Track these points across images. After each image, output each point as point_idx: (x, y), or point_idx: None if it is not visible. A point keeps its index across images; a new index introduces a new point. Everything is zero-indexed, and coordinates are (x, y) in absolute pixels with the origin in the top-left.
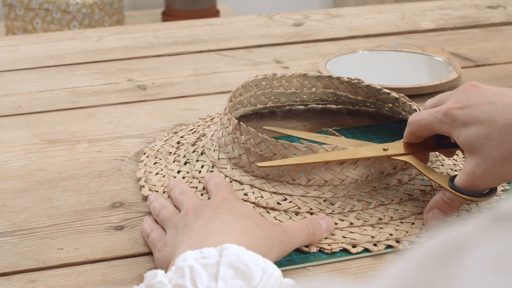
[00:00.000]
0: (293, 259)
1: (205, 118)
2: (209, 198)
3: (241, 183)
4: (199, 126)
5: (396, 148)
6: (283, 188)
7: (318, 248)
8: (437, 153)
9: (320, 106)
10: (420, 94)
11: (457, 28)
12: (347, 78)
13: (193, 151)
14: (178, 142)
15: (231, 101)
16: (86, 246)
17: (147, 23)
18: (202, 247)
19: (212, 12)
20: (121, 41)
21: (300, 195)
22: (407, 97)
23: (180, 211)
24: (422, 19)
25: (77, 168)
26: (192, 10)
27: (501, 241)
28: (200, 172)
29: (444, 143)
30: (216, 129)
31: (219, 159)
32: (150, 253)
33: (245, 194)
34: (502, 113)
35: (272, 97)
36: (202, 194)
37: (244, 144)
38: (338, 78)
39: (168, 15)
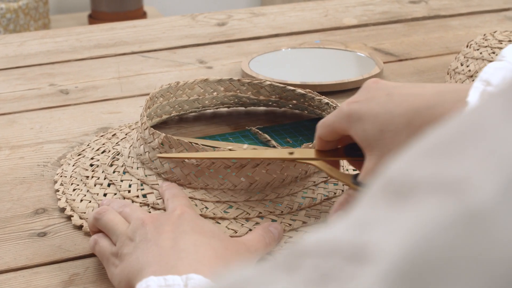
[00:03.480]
0: None
1: (103, 135)
2: (165, 210)
3: None
4: (103, 144)
5: (303, 153)
6: (225, 195)
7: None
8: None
9: (231, 108)
10: (343, 90)
11: (380, 23)
12: (249, 78)
13: (114, 171)
14: (91, 165)
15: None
16: (9, 254)
17: (74, 26)
18: (174, 273)
19: (139, 14)
20: (43, 45)
21: (244, 200)
22: (315, 92)
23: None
24: (345, 15)
25: None
26: (118, 12)
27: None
28: (129, 191)
29: (355, 153)
30: (132, 145)
31: (146, 176)
32: (74, 259)
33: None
34: (399, 102)
35: (176, 106)
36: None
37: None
38: (239, 80)
39: (95, 18)
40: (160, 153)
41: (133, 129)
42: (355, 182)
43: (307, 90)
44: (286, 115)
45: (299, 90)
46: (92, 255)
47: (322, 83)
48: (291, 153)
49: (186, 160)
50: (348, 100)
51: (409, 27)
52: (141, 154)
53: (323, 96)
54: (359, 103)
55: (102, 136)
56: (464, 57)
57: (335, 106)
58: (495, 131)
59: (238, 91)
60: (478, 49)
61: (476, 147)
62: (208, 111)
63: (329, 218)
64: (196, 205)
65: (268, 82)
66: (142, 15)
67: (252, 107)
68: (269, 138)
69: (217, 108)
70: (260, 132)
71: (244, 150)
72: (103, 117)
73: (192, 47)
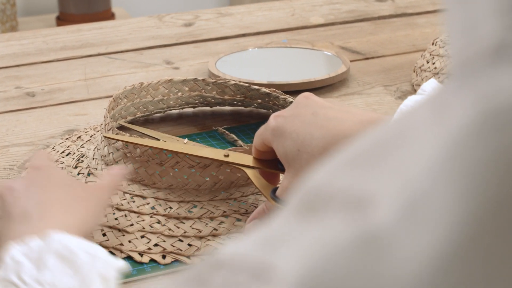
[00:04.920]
0: (143, 268)
1: (68, 137)
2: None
3: (144, 197)
4: (68, 147)
5: (238, 158)
6: (189, 195)
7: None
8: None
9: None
10: (309, 89)
11: (346, 22)
12: (214, 78)
13: (78, 174)
14: None
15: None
16: None
17: (42, 28)
18: (28, 235)
19: (107, 15)
20: (9, 48)
21: (209, 200)
22: (280, 92)
23: None
24: (311, 14)
25: None
26: (86, 14)
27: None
28: None
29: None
30: (96, 147)
31: None
32: None
33: (153, 208)
34: (321, 126)
35: (141, 107)
36: None
37: (140, 157)
38: (203, 79)
39: (63, 20)
40: (125, 154)
41: (98, 131)
42: (272, 196)
43: (272, 89)
44: (252, 114)
45: (264, 89)
46: None
47: (289, 82)
48: (226, 155)
49: (138, 151)
50: (276, 114)
51: (376, 26)
52: (105, 156)
53: (288, 95)
54: (285, 118)
55: (67, 138)
56: (430, 54)
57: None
58: (415, 140)
59: (203, 91)
60: (443, 47)
61: (391, 159)
62: (174, 111)
63: (245, 226)
64: (160, 205)
65: (233, 82)
66: (110, 16)
67: (218, 107)
68: (236, 138)
69: (182, 108)
70: (227, 132)
71: (182, 144)
72: (69, 119)
73: (159, 48)
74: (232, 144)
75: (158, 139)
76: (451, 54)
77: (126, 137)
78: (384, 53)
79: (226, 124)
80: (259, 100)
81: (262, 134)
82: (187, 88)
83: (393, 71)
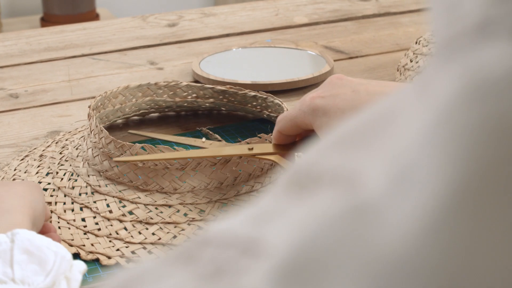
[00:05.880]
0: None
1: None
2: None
3: (169, 206)
4: (47, 147)
5: (262, 148)
6: (214, 194)
7: None
8: None
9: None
10: (293, 89)
11: (330, 21)
12: (164, 81)
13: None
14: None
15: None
16: None
17: (26, 29)
18: None
19: (92, 16)
20: None
21: (234, 196)
22: (238, 87)
23: None
24: (295, 14)
25: None
26: (71, 15)
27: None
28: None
29: None
30: (87, 161)
31: (100, 186)
32: None
33: (185, 215)
34: (365, 100)
35: (104, 117)
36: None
37: (156, 165)
38: (156, 83)
39: (47, 21)
40: (117, 156)
41: (81, 137)
42: None
43: (228, 86)
44: (230, 115)
45: (219, 87)
46: None
47: (273, 82)
48: (250, 149)
49: (141, 164)
50: (311, 95)
51: (360, 25)
52: (106, 170)
53: (247, 90)
54: (325, 99)
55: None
56: (414, 53)
57: (265, 98)
58: (402, 116)
59: (155, 95)
60: (427, 45)
61: (379, 135)
62: (154, 114)
63: None
64: (191, 210)
65: (184, 83)
66: (94, 17)
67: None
68: (220, 138)
69: (136, 115)
70: (210, 132)
71: (202, 150)
72: (53, 120)
73: (142, 48)
74: None
75: (173, 143)
76: (435, 32)
77: (138, 156)
78: (368, 52)
79: (209, 124)
80: (211, 100)
81: (296, 117)
82: (140, 94)
83: (376, 70)
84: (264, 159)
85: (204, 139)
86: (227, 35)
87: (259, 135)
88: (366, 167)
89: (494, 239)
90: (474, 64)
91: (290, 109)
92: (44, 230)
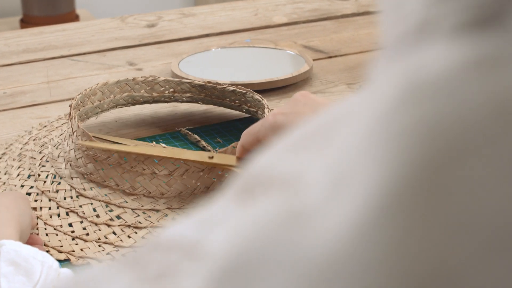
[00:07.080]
0: None
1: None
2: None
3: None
4: (27, 150)
5: (224, 159)
6: (149, 203)
7: None
8: None
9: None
10: (272, 88)
11: (310, 21)
12: (142, 77)
13: (52, 183)
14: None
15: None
16: None
17: (5, 31)
18: None
19: (72, 17)
20: None
21: (171, 207)
22: (216, 82)
23: None
24: (275, 14)
25: None
26: (50, 16)
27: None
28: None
29: None
30: (56, 145)
31: (85, 189)
32: None
33: (118, 216)
34: None
35: (83, 115)
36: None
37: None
38: (133, 79)
39: (27, 23)
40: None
41: (60, 135)
42: None
43: (205, 80)
44: (207, 114)
45: (197, 82)
46: None
47: (252, 82)
48: (211, 157)
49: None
50: (275, 111)
51: (339, 24)
52: (79, 167)
53: (225, 84)
54: (286, 116)
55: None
56: None
57: (244, 92)
58: (345, 118)
59: (132, 90)
60: None
61: (324, 140)
62: (131, 113)
63: None
64: (111, 210)
65: (162, 78)
66: (74, 18)
67: (174, 104)
68: (199, 138)
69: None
70: (190, 133)
71: (164, 149)
72: (32, 122)
73: (122, 49)
74: (195, 144)
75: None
76: (384, 32)
77: (103, 144)
78: (347, 52)
79: (188, 125)
80: (189, 94)
81: (258, 131)
82: (118, 89)
83: (356, 69)
84: (225, 169)
85: (163, 144)
86: (207, 35)
87: (232, 144)
88: (309, 172)
89: (423, 241)
90: (413, 64)
91: (254, 124)
92: (31, 242)
